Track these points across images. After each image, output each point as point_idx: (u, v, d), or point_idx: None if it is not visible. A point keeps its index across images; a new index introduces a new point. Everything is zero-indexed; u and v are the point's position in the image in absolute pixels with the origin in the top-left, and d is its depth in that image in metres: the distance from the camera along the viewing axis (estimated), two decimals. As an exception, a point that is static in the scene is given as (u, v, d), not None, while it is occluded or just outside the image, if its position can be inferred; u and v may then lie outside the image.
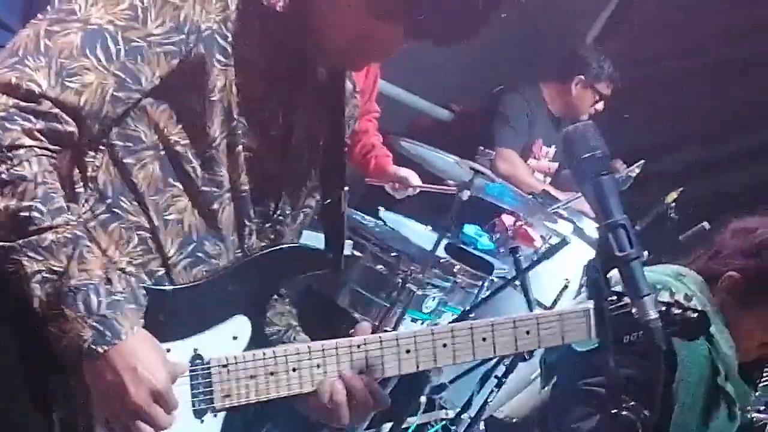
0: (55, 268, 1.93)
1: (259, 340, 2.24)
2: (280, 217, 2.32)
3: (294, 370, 2.19)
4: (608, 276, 1.88)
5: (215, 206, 2.18)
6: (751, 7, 6.56)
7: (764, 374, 3.72)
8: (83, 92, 1.97)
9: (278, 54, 2.17)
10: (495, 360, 4.30)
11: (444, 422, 4.70)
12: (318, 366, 2.20)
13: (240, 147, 2.16)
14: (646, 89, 6.97)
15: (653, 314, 1.82)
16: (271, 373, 2.17)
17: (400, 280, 4.59)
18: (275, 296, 2.43)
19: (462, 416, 4.54)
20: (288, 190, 2.31)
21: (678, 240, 4.47)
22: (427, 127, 6.88)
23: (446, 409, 4.73)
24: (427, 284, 4.63)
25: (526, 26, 6.24)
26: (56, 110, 1.96)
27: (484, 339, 2.25)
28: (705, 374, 3.08)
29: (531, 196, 5.24)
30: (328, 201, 2.39)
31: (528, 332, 2.26)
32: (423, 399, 4.43)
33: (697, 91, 6.85)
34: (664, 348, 1.81)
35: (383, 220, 5.20)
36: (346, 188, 2.38)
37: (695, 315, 2.39)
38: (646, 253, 4.57)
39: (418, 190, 5.18)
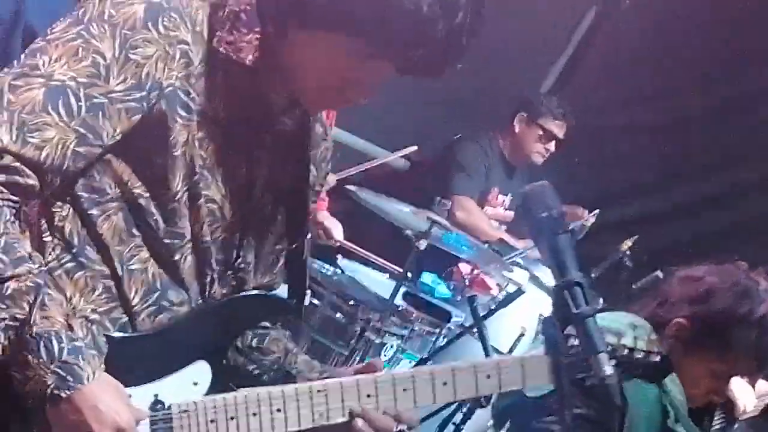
0: (18, 316, 1.98)
1: (219, 384, 2.26)
2: (242, 265, 2.34)
3: (254, 414, 2.20)
4: (565, 332, 1.94)
5: (177, 257, 2.21)
6: (699, 62, 6.69)
7: (715, 419, 3.79)
8: (44, 147, 2.00)
9: (243, 107, 2.19)
10: (453, 407, 4.34)
11: (402, 469, 4.71)
12: (278, 410, 2.22)
13: (202, 200, 2.19)
14: (601, 139, 7.06)
15: (609, 370, 1.85)
16: (231, 418, 2.19)
17: (358, 329, 4.62)
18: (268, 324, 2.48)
19: (420, 463, 4.56)
20: (250, 239, 2.33)
21: (632, 289, 4.55)
22: (384, 176, 6.93)
23: (405, 456, 4.75)
24: (385, 332, 4.67)
25: (482, 76, 6.32)
26: (17, 164, 1.99)
27: (444, 383, 2.30)
28: (655, 418, 3.14)
29: (487, 245, 5.30)
30: (292, 248, 2.42)
31: (489, 376, 2.32)
32: (382, 447, 4.45)
33: (651, 141, 6.96)
34: (619, 404, 1.86)
35: (341, 269, 5.23)
36: (309, 235, 2.41)
37: (657, 358, 2.46)
38: (601, 300, 4.66)
39: (338, 244, 5.28)
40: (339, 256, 5.32)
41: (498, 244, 5.91)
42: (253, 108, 2.22)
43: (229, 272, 2.33)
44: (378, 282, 5.30)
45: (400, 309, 4.95)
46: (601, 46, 7.30)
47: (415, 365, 4.64)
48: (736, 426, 4.49)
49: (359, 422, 2.26)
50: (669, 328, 3.23)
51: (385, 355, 4.75)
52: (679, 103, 6.88)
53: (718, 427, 3.85)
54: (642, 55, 6.85)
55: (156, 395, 2.18)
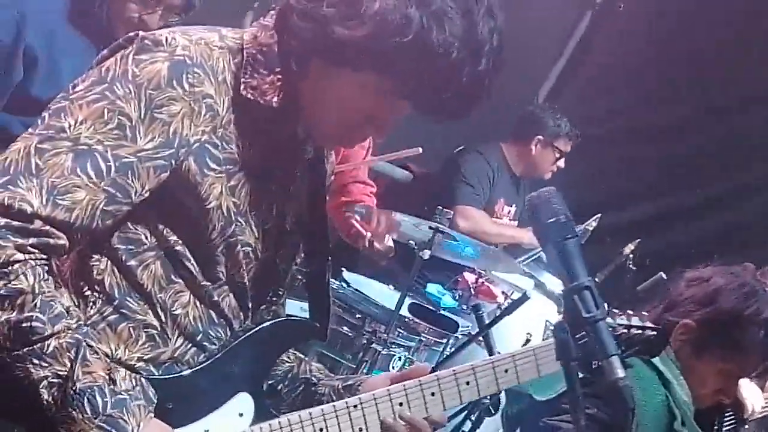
0: (60, 373, 2.00)
1: (262, 413, 2.31)
2: (274, 298, 2.40)
3: None
4: (576, 337, 1.95)
5: (215, 297, 2.24)
6: (696, 64, 6.71)
7: (725, 419, 3.80)
8: (74, 209, 2.01)
9: (273, 148, 2.21)
10: (462, 416, 4.34)
11: (414, 480, 4.71)
12: (321, 430, 2.28)
13: (239, 246, 2.21)
14: (601, 144, 7.08)
15: (621, 373, 1.87)
16: None
17: (365, 341, 4.63)
18: None
19: (432, 473, 4.56)
20: (281, 272, 2.38)
21: (636, 291, 4.55)
22: (386, 188, 6.92)
23: (416, 467, 4.74)
24: (392, 344, 4.68)
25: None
26: (47, 227, 2.01)
27: (467, 383, 2.36)
28: (662, 419, 3.16)
29: (490, 247, 5.31)
30: (312, 270, 2.44)
31: (506, 371, 2.38)
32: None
33: (650, 145, 6.97)
34: (632, 406, 1.87)
35: (347, 282, 5.24)
36: (330, 258, 2.43)
37: (653, 333, 2.50)
38: (606, 305, 4.66)
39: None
40: (344, 270, 5.32)
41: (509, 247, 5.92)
42: (283, 146, 2.24)
43: (263, 306, 2.37)
44: (383, 294, 5.31)
45: (406, 320, 4.96)
46: (597, 51, 7.31)
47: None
48: (746, 426, 4.50)
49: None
50: (677, 329, 3.25)
51: (393, 367, 4.76)
52: (677, 106, 6.89)
53: (728, 428, 3.86)
54: (639, 58, 6.87)
55: (207, 431, 2.24)
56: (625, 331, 2.49)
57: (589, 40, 7.36)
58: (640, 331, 2.51)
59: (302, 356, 2.55)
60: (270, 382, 2.47)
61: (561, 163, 6.49)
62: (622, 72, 7.03)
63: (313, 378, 2.51)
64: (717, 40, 6.56)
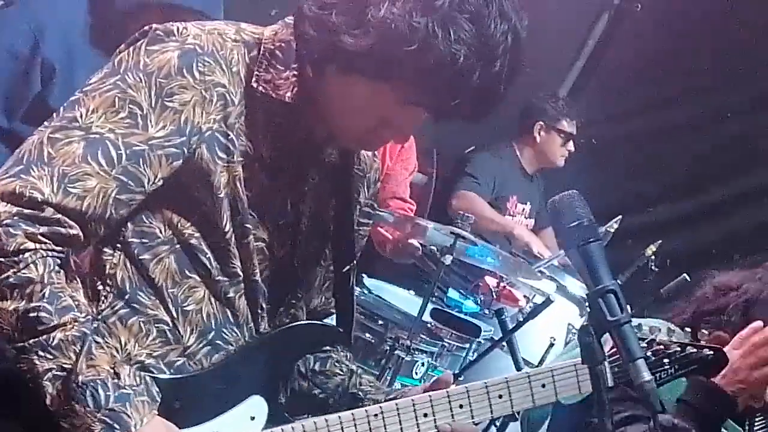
0: (64, 366, 1.99)
1: (276, 417, 2.28)
2: (293, 301, 2.37)
3: None
4: (602, 341, 1.93)
5: (231, 294, 2.23)
6: (716, 62, 6.67)
7: (757, 419, 3.77)
8: (85, 197, 2.02)
9: (285, 144, 2.20)
10: (487, 422, 4.33)
11: (439, 486, 4.69)
12: None
13: (251, 237, 2.20)
14: (620, 146, 7.06)
15: (647, 376, 1.85)
16: None
17: (388, 347, 4.61)
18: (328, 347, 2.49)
19: (457, 479, 4.54)
20: (300, 274, 2.36)
21: (660, 293, 4.53)
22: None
23: (441, 473, 4.72)
24: (415, 350, 4.66)
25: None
26: (59, 216, 2.00)
27: (500, 396, 2.31)
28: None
29: (511, 255, 5.29)
30: (337, 275, 2.43)
31: (544, 385, 2.33)
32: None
33: (669, 145, 6.94)
34: (659, 409, 1.85)
35: (368, 288, 5.23)
36: (355, 263, 2.42)
37: (711, 353, 2.45)
38: (629, 307, 4.64)
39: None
40: (365, 276, 5.31)
41: (524, 248, 5.89)
42: (296, 143, 2.23)
43: (281, 308, 2.35)
44: (405, 299, 5.30)
45: (429, 326, 4.94)
46: (616, 51, 7.28)
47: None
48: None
49: None
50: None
51: (416, 373, 4.75)
52: (696, 105, 6.85)
53: (759, 428, 3.83)
54: (658, 57, 6.83)
55: None
56: (679, 349, 2.44)
57: (608, 40, 7.33)
58: (694, 350, 2.47)
59: (355, 368, 2.52)
60: (321, 395, 2.46)
61: (570, 146, 6.48)
62: (640, 72, 6.98)
63: (359, 393, 2.48)
64: (737, 37, 6.51)
